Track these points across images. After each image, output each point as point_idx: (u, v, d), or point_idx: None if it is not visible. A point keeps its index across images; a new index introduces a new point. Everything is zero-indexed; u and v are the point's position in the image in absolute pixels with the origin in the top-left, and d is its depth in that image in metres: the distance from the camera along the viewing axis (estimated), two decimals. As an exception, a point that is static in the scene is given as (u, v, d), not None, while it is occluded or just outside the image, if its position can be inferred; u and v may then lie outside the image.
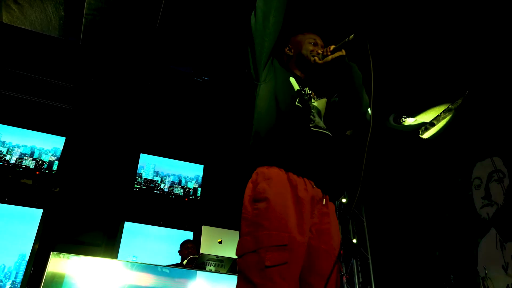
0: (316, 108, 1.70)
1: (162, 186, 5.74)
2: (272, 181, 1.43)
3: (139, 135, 5.78)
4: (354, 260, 5.93)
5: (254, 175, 1.50)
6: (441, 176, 5.14)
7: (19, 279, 4.53)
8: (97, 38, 3.65)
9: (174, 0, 3.39)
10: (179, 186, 5.84)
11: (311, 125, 1.62)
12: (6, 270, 4.54)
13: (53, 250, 2.82)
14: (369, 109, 1.72)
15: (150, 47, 3.93)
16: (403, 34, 3.71)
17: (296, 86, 1.71)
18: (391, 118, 4.79)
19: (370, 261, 5.80)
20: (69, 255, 2.78)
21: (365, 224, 6.08)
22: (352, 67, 1.69)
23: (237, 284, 1.33)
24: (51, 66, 4.69)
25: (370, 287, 5.60)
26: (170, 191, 5.75)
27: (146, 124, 5.68)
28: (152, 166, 5.81)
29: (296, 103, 1.63)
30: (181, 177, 5.92)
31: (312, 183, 1.49)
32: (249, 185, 1.49)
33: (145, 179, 5.69)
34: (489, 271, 4.22)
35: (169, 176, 5.85)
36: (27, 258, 4.63)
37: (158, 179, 5.78)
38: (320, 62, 1.75)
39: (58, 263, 2.72)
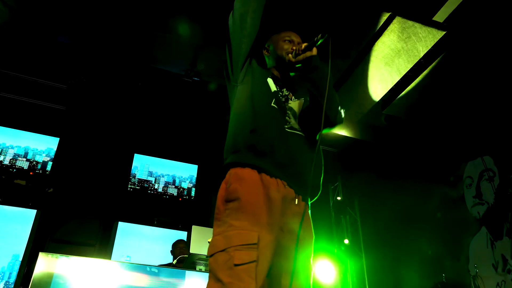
0: (292, 109, 1.70)
1: (156, 186, 5.76)
2: (244, 182, 1.45)
3: (133, 136, 5.79)
4: (348, 259, 5.96)
5: (227, 176, 1.52)
6: (433, 175, 5.16)
7: (12, 280, 4.55)
8: (87, 39, 3.67)
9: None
10: (173, 186, 5.85)
11: (286, 126, 1.63)
12: (-1, 271, 4.57)
13: (47, 251, 2.84)
14: (342, 110, 1.73)
15: (141, 47, 3.94)
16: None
17: (273, 87, 1.71)
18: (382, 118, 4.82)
19: (363, 259, 5.82)
20: (58, 255, 2.79)
21: (359, 223, 6.11)
22: (319, 68, 1.68)
23: (208, 284, 1.35)
24: (44, 67, 4.71)
25: (364, 286, 5.63)
26: (164, 191, 5.77)
27: (140, 124, 5.70)
28: (146, 166, 5.83)
29: (272, 104, 1.64)
30: (175, 177, 5.94)
31: (285, 183, 1.51)
32: (222, 185, 1.52)
33: (139, 179, 5.71)
34: (479, 269, 4.24)
35: (163, 176, 5.87)
36: (20, 259, 4.65)
37: (152, 179, 5.80)
38: (293, 60, 1.74)
39: (47, 263, 2.73)
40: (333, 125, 1.68)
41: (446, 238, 4.79)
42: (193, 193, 5.92)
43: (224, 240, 1.35)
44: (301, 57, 1.71)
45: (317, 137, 1.64)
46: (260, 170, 1.48)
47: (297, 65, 1.73)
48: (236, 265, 1.29)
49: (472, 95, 4.61)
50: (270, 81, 1.73)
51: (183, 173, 6.00)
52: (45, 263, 2.72)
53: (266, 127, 1.56)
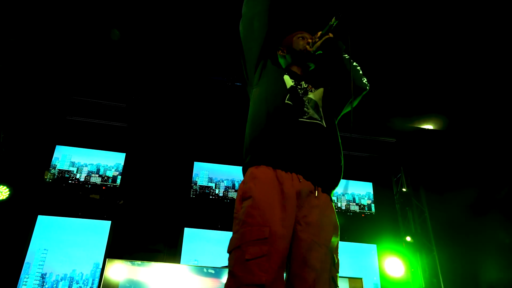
0: (312, 100, 1.73)
1: (216, 191, 5.97)
2: (258, 180, 1.50)
3: (191, 145, 6.06)
4: (418, 253, 5.69)
5: (245, 176, 1.58)
6: (504, 160, 4.78)
7: (95, 286, 4.99)
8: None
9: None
10: (233, 190, 6.02)
11: (304, 117, 1.66)
12: (83, 278, 5.03)
13: (120, 258, 3.10)
14: (364, 79, 1.81)
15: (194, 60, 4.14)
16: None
17: (290, 83, 1.75)
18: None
19: (435, 252, 5.53)
20: (123, 261, 3.02)
21: (427, 214, 5.81)
22: (340, 44, 1.77)
23: (226, 280, 1.41)
24: (104, 89, 5.13)
25: (437, 280, 5.34)
26: (225, 196, 5.96)
27: (197, 133, 5.95)
28: (206, 173, 6.06)
29: (286, 101, 1.68)
30: (234, 181, 6.11)
31: (301, 177, 1.53)
32: (240, 185, 1.59)
33: (200, 186, 5.95)
34: None
35: (222, 181, 6.07)
36: (100, 266, 5.08)
37: (213, 185, 6.02)
38: (311, 49, 1.81)
39: (114, 269, 2.97)
40: (361, 90, 1.79)
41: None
42: (252, 195, 6.03)
43: (239, 237, 1.42)
44: (318, 43, 1.78)
45: (340, 115, 1.79)
46: (275, 166, 1.52)
47: (317, 52, 1.80)
48: (247, 259, 1.34)
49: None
50: (286, 77, 1.78)
51: (241, 176, 6.13)
52: (112, 269, 2.96)
53: (278, 123, 1.60)
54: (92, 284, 5.02)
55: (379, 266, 5.78)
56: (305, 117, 1.66)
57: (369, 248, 5.95)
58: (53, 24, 4.12)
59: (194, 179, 5.97)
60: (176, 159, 5.98)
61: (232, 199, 5.94)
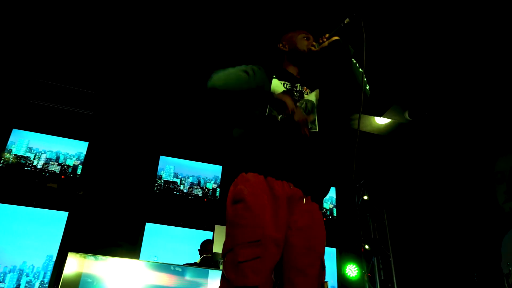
0: (309, 102, 1.72)
1: (181, 187, 5.86)
2: (249, 183, 1.49)
3: (159, 138, 5.92)
4: (375, 258, 5.87)
5: (235, 180, 1.56)
6: (462, 172, 5.02)
7: (47, 279, 4.75)
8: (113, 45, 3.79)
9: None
10: (198, 187, 5.94)
11: None
12: (35, 271, 4.77)
13: (77, 251, 2.95)
14: (367, 86, 1.78)
15: (167, 52, 4.03)
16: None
17: (280, 88, 1.72)
18: (406, 114, 4.72)
19: (391, 258, 5.72)
20: (86, 255, 2.89)
21: (386, 221, 6.01)
22: (349, 47, 1.74)
23: (219, 284, 1.38)
24: (72, 74, 4.89)
25: (391, 285, 5.53)
26: (190, 192, 5.87)
27: (165, 127, 5.81)
28: (171, 168, 5.94)
29: (266, 109, 1.64)
30: (200, 178, 6.03)
31: (291, 185, 1.53)
32: (231, 188, 1.56)
33: (165, 180, 5.82)
34: (513, 268, 4.08)
35: (188, 177, 5.97)
36: (54, 259, 4.84)
37: (178, 180, 5.90)
38: (316, 49, 1.78)
39: (76, 263, 2.83)
40: (360, 91, 1.72)
41: (477, 235, 4.65)
42: (218, 194, 5.99)
43: (231, 240, 1.40)
44: (326, 43, 1.75)
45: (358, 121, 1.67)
46: (266, 175, 1.51)
47: (321, 52, 1.77)
48: (240, 262, 1.32)
49: (504, 91, 4.45)
50: (275, 82, 1.74)
51: (208, 174, 6.08)
52: (75, 263, 2.83)
53: (269, 132, 1.58)
54: (44, 277, 4.77)
55: (337, 270, 5.91)
56: None
57: (329, 252, 6.06)
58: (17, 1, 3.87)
59: (159, 174, 5.84)
60: (142, 152, 5.81)
61: (197, 196, 5.86)
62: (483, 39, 3.96)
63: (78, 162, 5.52)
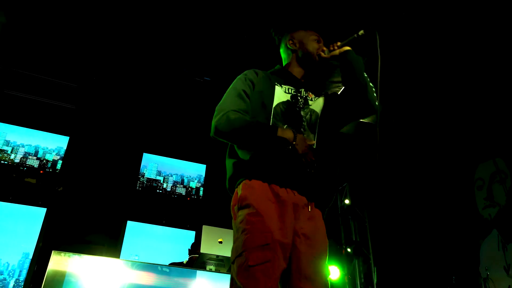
0: (314, 113, 1.69)
1: (164, 186, 5.77)
2: (254, 189, 1.47)
3: (142, 135, 5.81)
4: (356, 260, 5.93)
5: (238, 186, 1.53)
6: (443, 178, 5.13)
7: (22, 277, 4.58)
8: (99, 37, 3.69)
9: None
10: (182, 186, 5.87)
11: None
12: (9, 268, 4.59)
13: (56, 249, 2.86)
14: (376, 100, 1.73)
15: (153, 48, 3.95)
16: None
17: (284, 96, 1.68)
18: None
19: (372, 261, 5.79)
20: (71, 253, 2.80)
21: (367, 224, 6.08)
22: (356, 59, 1.70)
23: None
24: (55, 66, 4.74)
25: (371, 287, 5.60)
26: (173, 191, 5.78)
27: (149, 124, 5.71)
28: (155, 166, 5.84)
29: (270, 120, 1.61)
30: (183, 176, 5.95)
31: (295, 192, 1.51)
32: (235, 194, 1.53)
33: (148, 178, 5.72)
34: (490, 272, 4.21)
35: (171, 176, 5.89)
36: (30, 257, 4.67)
37: (161, 178, 5.81)
38: (326, 56, 1.75)
39: (60, 262, 2.74)
40: (373, 112, 1.68)
41: (457, 240, 4.76)
42: (201, 193, 5.93)
43: (240, 245, 1.37)
44: (337, 52, 1.72)
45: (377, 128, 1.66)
46: (270, 182, 1.49)
47: (333, 61, 1.74)
48: (250, 266, 1.30)
49: (485, 98, 4.57)
50: (277, 89, 1.69)
51: (192, 172, 6.01)
52: (58, 262, 2.73)
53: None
54: (19, 275, 4.60)
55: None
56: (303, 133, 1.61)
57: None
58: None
59: (142, 171, 5.73)
60: (125, 149, 5.69)
61: (180, 195, 5.79)
62: (463, 49, 4.05)
63: (58, 157, 5.35)
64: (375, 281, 5.59)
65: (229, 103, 1.61)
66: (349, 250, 5.90)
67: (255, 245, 1.34)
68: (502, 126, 4.39)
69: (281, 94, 1.67)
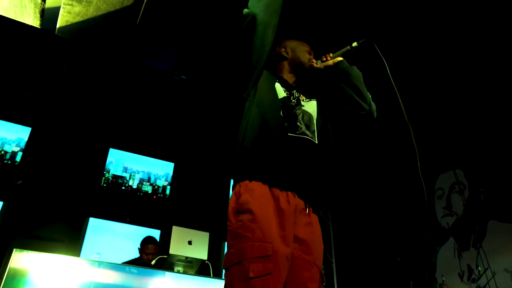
0: (306, 113, 1.69)
1: (130, 183, 5.64)
2: (254, 193, 1.44)
3: (109, 130, 5.65)
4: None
5: (237, 187, 1.50)
6: (405, 186, 5.32)
7: (-26, 274, 4.33)
8: (73, 28, 3.55)
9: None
10: (148, 183, 5.75)
11: (297, 132, 1.60)
12: (-40, 264, 4.33)
13: (13, 245, 2.73)
14: (373, 104, 1.79)
15: (128, 42, 3.85)
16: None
17: (282, 94, 1.69)
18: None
19: (333, 265, 5.92)
20: (33, 252, 2.69)
21: (331, 229, 6.21)
22: (350, 69, 1.75)
23: None
24: (18, 54, 4.51)
25: (332, 290, 5.72)
26: (139, 188, 5.66)
27: (117, 118, 5.56)
28: (121, 162, 5.69)
29: (280, 114, 1.62)
30: (150, 174, 5.84)
31: (295, 194, 1.50)
32: (233, 197, 1.49)
33: (113, 174, 5.57)
34: (446, 278, 4.41)
35: (138, 173, 5.76)
36: (-16, 252, 4.43)
37: (127, 175, 5.67)
38: (319, 66, 1.79)
39: (21, 260, 2.63)
40: (371, 114, 1.78)
41: (415, 247, 4.96)
42: (168, 192, 5.84)
43: (238, 253, 1.34)
44: (330, 62, 1.76)
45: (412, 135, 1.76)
46: (270, 185, 1.47)
47: (325, 72, 1.77)
48: (251, 278, 1.27)
49: (447, 111, 4.79)
50: (277, 86, 1.71)
51: (159, 170, 5.91)
52: (20, 260, 2.62)
53: (271, 139, 1.54)
54: (-30, 271, 4.35)
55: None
56: (298, 132, 1.60)
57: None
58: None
59: (108, 167, 5.57)
60: (90, 143, 5.51)
61: (146, 192, 5.67)
62: (423, 59, 4.23)
63: (18, 148, 5.10)
64: (336, 285, 5.72)
65: None
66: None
67: (256, 255, 1.30)
68: (463, 139, 4.62)
69: (280, 90, 1.71)
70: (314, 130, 1.67)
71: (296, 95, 1.73)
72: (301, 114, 1.67)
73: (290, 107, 1.66)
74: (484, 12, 3.50)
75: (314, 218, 1.58)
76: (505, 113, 4.12)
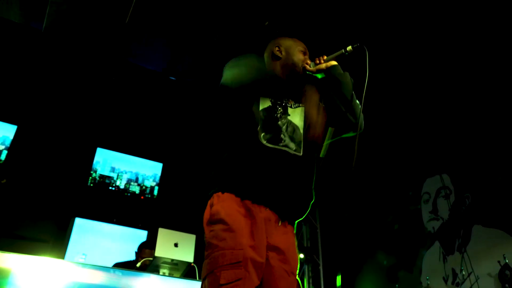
0: (291, 123, 1.66)
1: (118, 183, 5.59)
2: (226, 203, 1.45)
3: (97, 129, 5.59)
4: (306, 266, 6.06)
5: (211, 198, 1.51)
6: (393, 189, 5.36)
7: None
8: (61, 27, 3.51)
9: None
10: (136, 184, 5.71)
11: (280, 144, 1.58)
12: None
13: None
14: (361, 117, 1.71)
15: (116, 41, 3.82)
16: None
17: (266, 103, 1.65)
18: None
19: (321, 267, 5.94)
20: (16, 254, 2.66)
21: (318, 231, 6.22)
22: (342, 75, 1.70)
23: None
24: (4, 51, 4.45)
25: (319, 292, 5.74)
26: (126, 188, 5.61)
27: (105, 117, 5.51)
28: (109, 162, 5.64)
29: (258, 126, 1.59)
30: (138, 174, 5.79)
31: (268, 209, 1.50)
32: (207, 208, 1.51)
33: (100, 174, 5.51)
34: (431, 281, 4.45)
35: (126, 173, 5.71)
36: (-35, 252, 4.35)
37: (114, 175, 5.62)
38: (311, 69, 1.72)
39: (4, 261, 2.59)
40: (356, 127, 1.67)
41: (401, 250, 5.00)
42: (156, 192, 5.80)
43: (211, 262, 1.35)
44: (323, 65, 1.70)
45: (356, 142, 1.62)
46: (243, 197, 1.48)
47: (317, 74, 1.72)
48: (221, 284, 1.28)
49: (435, 116, 4.84)
50: (262, 99, 1.66)
51: (147, 170, 5.87)
52: (2, 261, 2.58)
53: (244, 151, 1.54)
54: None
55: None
56: (281, 144, 1.58)
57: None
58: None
59: (95, 167, 5.51)
60: (77, 142, 5.44)
61: (134, 193, 5.63)
62: (409, 63, 4.28)
63: (3, 146, 5.03)
64: (322, 286, 5.74)
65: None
66: (302, 256, 6.01)
67: (226, 263, 1.32)
68: (450, 144, 4.66)
69: (265, 100, 1.66)
70: (300, 141, 1.64)
71: (284, 102, 1.70)
72: (285, 125, 1.64)
73: (274, 119, 1.63)
74: (470, 20, 3.55)
75: (289, 228, 1.58)
76: (492, 120, 4.18)
